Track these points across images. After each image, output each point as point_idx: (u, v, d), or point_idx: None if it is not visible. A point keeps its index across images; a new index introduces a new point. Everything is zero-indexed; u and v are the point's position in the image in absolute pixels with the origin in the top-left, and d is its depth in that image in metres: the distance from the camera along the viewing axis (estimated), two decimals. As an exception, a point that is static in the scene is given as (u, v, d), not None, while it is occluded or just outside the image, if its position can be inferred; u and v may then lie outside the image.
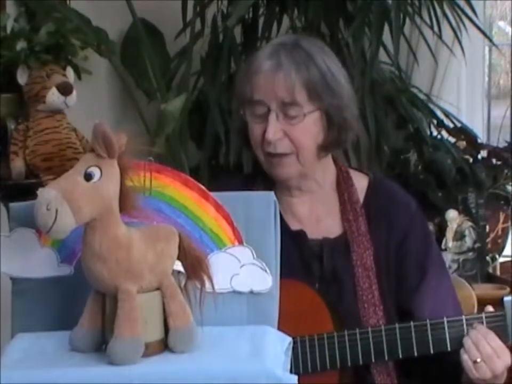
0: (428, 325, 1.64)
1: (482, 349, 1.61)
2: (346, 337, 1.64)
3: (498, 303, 1.68)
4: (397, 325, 1.65)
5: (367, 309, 1.69)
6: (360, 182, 1.80)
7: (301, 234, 1.74)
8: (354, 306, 1.69)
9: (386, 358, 1.65)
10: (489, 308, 1.69)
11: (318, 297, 1.67)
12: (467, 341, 1.62)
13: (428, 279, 1.74)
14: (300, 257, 1.72)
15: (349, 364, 1.64)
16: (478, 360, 1.61)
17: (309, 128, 1.69)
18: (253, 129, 1.71)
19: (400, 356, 1.65)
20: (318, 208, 1.78)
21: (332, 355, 1.64)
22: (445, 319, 1.64)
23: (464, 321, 1.64)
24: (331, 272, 1.72)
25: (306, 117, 1.68)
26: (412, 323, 1.64)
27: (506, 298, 1.66)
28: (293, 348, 1.57)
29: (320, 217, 1.78)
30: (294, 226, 1.75)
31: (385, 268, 1.73)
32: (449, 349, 1.64)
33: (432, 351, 1.64)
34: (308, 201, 1.78)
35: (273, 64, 1.68)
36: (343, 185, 1.78)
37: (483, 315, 1.65)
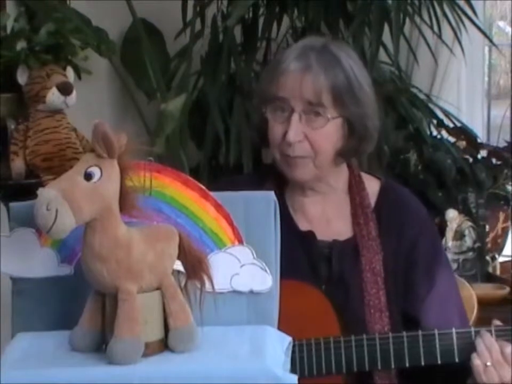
0: (436, 335, 1.62)
1: (494, 354, 1.59)
2: (353, 343, 1.62)
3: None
4: (404, 333, 1.62)
5: (373, 314, 1.68)
6: (372, 187, 1.78)
7: (309, 235, 1.73)
8: (360, 311, 1.68)
9: (393, 365, 1.63)
10: (497, 322, 1.67)
11: (325, 299, 1.66)
12: (479, 344, 1.60)
13: (436, 288, 1.72)
14: (307, 258, 1.71)
15: (355, 369, 1.63)
16: (488, 363, 1.59)
17: (330, 133, 1.68)
18: (273, 129, 1.70)
19: (407, 365, 1.62)
20: (329, 210, 1.77)
21: (338, 359, 1.62)
22: (454, 330, 1.62)
23: (473, 333, 1.62)
24: (338, 275, 1.71)
25: (329, 121, 1.67)
26: (420, 332, 1.62)
27: None
28: (299, 351, 1.57)
29: (331, 219, 1.77)
30: (304, 226, 1.74)
31: (393, 274, 1.71)
32: (457, 360, 1.62)
33: (439, 361, 1.62)
34: (320, 202, 1.77)
35: (302, 65, 1.67)
36: (355, 189, 1.76)
37: (492, 328, 1.63)
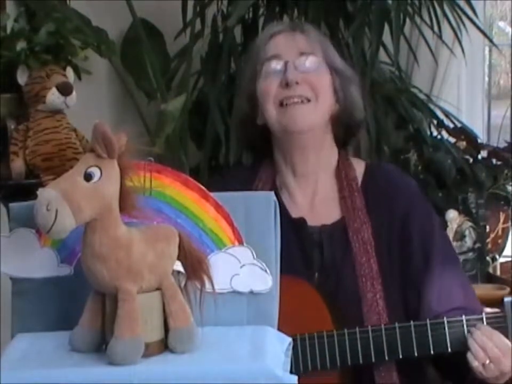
0: (428, 325, 1.63)
1: (490, 352, 1.60)
2: (346, 336, 1.64)
3: (498, 303, 1.67)
4: (397, 324, 1.64)
5: (364, 283, 1.68)
6: (359, 167, 1.81)
7: (301, 222, 1.74)
8: (352, 283, 1.68)
9: (386, 357, 1.65)
10: (487, 309, 1.68)
11: (316, 293, 1.67)
12: (473, 344, 1.61)
13: (435, 258, 1.72)
14: (300, 247, 1.72)
15: (349, 363, 1.64)
16: (487, 362, 1.60)
17: (326, 80, 1.74)
18: (268, 84, 1.73)
19: (400, 356, 1.64)
20: (317, 195, 1.79)
21: (332, 354, 1.64)
22: (445, 319, 1.64)
23: (464, 321, 1.64)
24: (331, 259, 1.72)
25: (324, 70, 1.73)
26: (412, 322, 1.64)
27: (507, 299, 1.65)
28: (293, 347, 1.58)
29: (319, 204, 1.78)
30: (295, 213, 1.76)
31: (387, 245, 1.72)
32: (449, 349, 1.63)
33: (432, 352, 1.63)
34: (309, 187, 1.79)
35: (292, 24, 1.78)
36: (342, 171, 1.79)
37: (483, 316, 1.65)
